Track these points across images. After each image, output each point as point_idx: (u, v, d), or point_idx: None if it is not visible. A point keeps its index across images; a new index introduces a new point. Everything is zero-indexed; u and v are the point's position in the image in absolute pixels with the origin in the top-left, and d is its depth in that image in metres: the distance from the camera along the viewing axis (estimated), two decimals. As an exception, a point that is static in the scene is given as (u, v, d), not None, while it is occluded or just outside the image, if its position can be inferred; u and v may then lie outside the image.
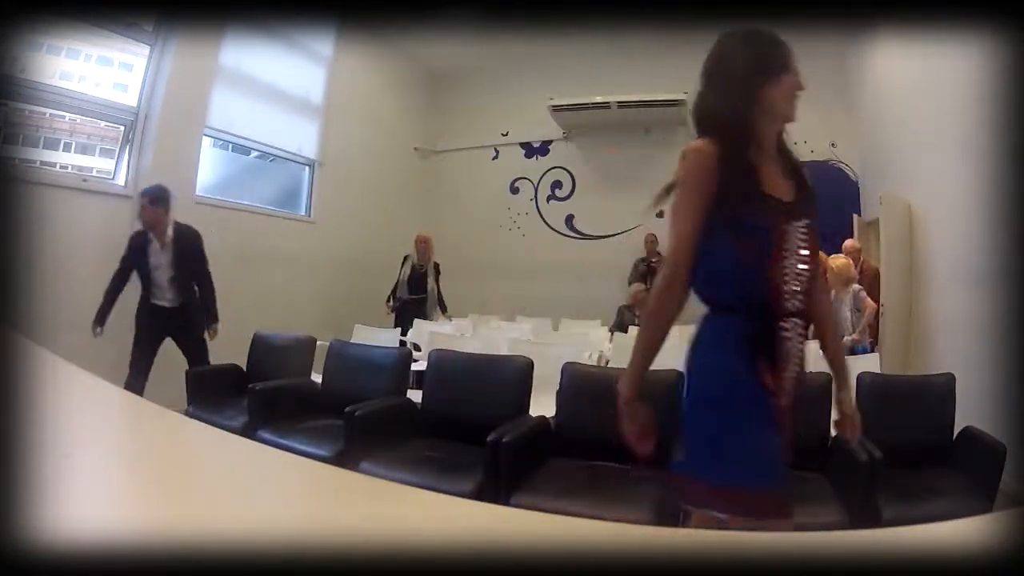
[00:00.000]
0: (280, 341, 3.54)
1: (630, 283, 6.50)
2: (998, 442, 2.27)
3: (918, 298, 4.27)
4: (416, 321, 5.02)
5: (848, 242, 4.64)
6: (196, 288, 3.63)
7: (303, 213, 5.83)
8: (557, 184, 7.18)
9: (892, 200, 4.50)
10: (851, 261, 4.09)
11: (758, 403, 1.20)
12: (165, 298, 3.55)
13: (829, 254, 4.05)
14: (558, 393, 2.61)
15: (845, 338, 3.76)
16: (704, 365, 1.24)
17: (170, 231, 3.54)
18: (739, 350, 1.20)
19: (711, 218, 1.21)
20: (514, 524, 0.67)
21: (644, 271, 6.49)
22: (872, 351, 3.91)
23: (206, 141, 4.69)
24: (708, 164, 1.24)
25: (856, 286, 3.97)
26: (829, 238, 4.64)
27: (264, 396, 2.90)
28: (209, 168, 4.79)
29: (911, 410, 2.51)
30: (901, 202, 4.48)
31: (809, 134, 6.41)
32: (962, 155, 3.53)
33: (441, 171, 7.49)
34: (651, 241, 6.55)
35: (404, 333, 4.78)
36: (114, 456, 0.76)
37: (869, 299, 3.94)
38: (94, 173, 4.10)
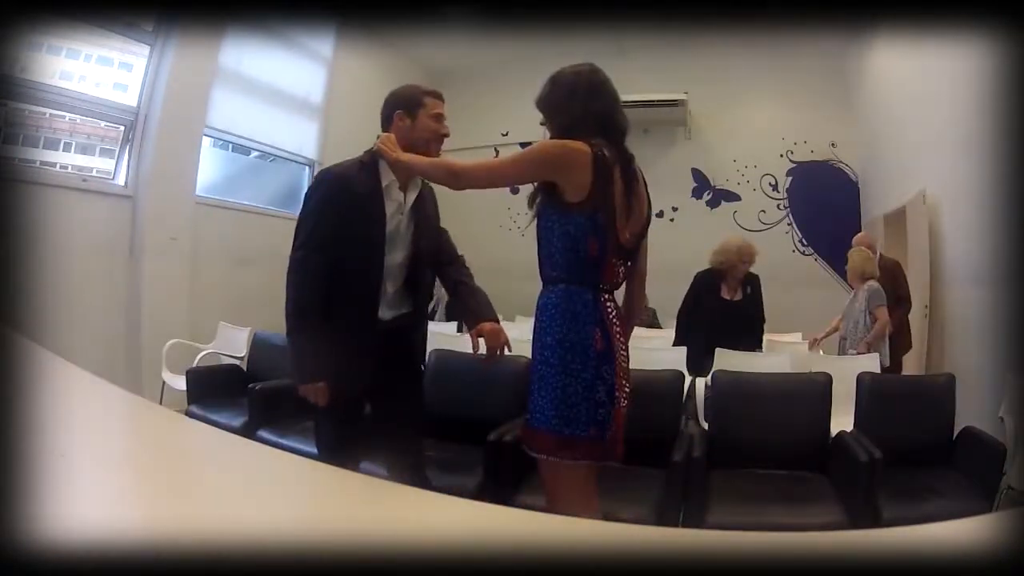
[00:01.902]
0: (280, 341, 3.53)
1: None
2: (998, 442, 2.27)
3: (922, 298, 4.26)
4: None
5: (860, 235, 4.39)
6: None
7: (303, 213, 5.82)
8: (557, 184, 7.18)
9: (914, 200, 4.40)
10: (871, 255, 3.81)
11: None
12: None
13: (837, 255, 3.95)
14: (558, 393, 2.60)
15: (850, 351, 3.54)
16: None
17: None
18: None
19: None
20: (514, 524, 0.67)
21: None
22: (884, 367, 3.54)
23: (206, 141, 4.69)
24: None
25: (872, 283, 3.64)
26: (839, 238, 4.62)
27: (264, 396, 2.90)
28: (209, 168, 4.79)
29: (911, 410, 2.51)
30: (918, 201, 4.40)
31: (809, 134, 6.43)
32: (962, 155, 3.53)
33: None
34: None
35: None
36: (114, 456, 0.76)
37: (884, 310, 3.57)
38: (94, 173, 4.10)
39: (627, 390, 1.52)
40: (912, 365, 4.07)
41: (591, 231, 1.47)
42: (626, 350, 1.54)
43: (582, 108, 1.54)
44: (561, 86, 1.60)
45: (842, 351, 3.65)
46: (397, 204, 1.76)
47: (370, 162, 1.74)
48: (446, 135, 1.81)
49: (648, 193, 1.63)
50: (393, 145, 1.71)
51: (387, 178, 1.73)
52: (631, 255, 1.57)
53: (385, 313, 1.76)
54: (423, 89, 1.81)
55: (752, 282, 3.71)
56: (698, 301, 3.65)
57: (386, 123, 1.79)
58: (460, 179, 1.56)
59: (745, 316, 3.67)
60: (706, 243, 5.42)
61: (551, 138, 1.57)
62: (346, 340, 1.70)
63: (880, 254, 4.28)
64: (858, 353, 3.43)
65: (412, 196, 1.80)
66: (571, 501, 1.46)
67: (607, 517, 1.52)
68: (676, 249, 6.02)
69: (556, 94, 1.59)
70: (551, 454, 1.46)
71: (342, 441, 1.72)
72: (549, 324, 1.51)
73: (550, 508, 1.47)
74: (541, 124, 1.67)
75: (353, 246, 1.70)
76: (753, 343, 3.63)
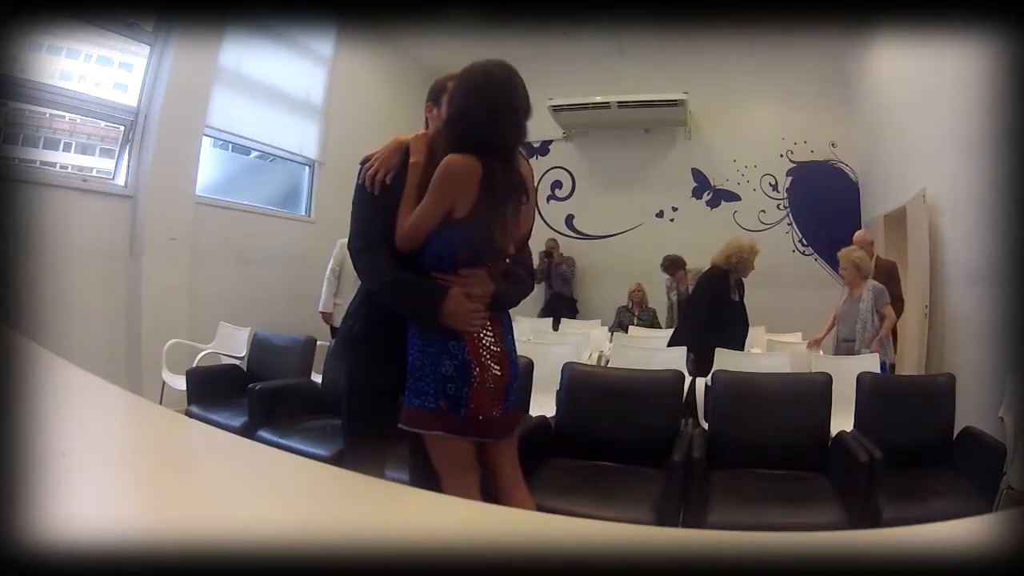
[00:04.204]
0: (280, 341, 3.54)
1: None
2: (998, 442, 2.27)
3: (922, 298, 4.25)
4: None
5: (859, 233, 4.42)
6: None
7: (303, 213, 5.83)
8: (557, 184, 7.19)
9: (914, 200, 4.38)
10: (866, 254, 3.79)
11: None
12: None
13: (836, 256, 3.90)
14: (558, 393, 2.61)
15: (862, 350, 3.45)
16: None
17: None
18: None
19: None
20: (514, 524, 0.67)
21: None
22: (891, 364, 3.60)
23: (206, 141, 4.69)
24: None
25: (875, 283, 3.63)
26: (839, 238, 4.60)
27: (264, 396, 2.90)
28: (209, 168, 4.79)
29: (911, 410, 2.51)
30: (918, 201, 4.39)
31: (809, 134, 6.43)
32: (962, 155, 3.53)
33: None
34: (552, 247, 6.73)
35: None
36: (114, 456, 0.76)
37: (890, 308, 3.58)
38: (94, 173, 4.10)
39: (496, 371, 1.49)
40: (912, 365, 4.07)
41: (463, 242, 1.48)
42: (494, 334, 1.52)
43: (469, 123, 1.49)
44: (456, 94, 1.51)
45: (846, 352, 3.57)
46: None
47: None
48: None
49: (537, 207, 1.65)
50: (417, 149, 1.59)
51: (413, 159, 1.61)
52: (509, 255, 1.60)
53: None
54: (451, 75, 1.64)
55: (741, 284, 3.72)
56: (717, 299, 3.60)
57: (426, 120, 1.70)
58: (400, 239, 1.51)
59: (742, 317, 3.68)
60: (706, 243, 5.45)
61: (444, 141, 1.53)
62: (380, 327, 1.59)
63: (877, 256, 4.29)
64: (872, 352, 3.41)
65: None
66: (448, 476, 1.49)
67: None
68: (676, 249, 6.06)
69: (451, 101, 1.52)
70: (409, 425, 1.49)
71: (363, 431, 1.64)
72: None
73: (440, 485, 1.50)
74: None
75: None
76: (742, 345, 3.64)
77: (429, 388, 1.47)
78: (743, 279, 3.74)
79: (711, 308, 3.62)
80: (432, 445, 1.50)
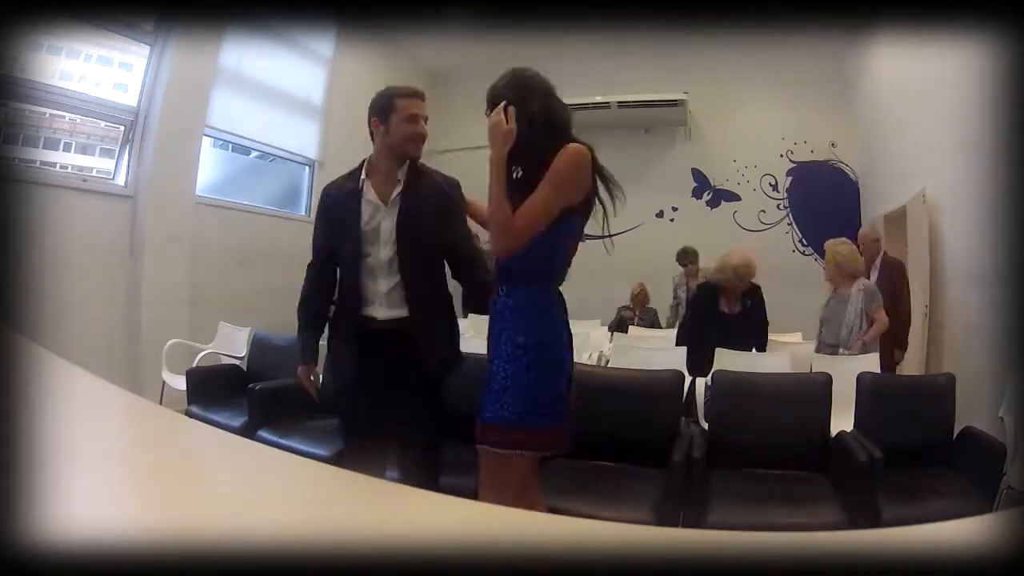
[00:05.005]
0: (280, 341, 3.54)
1: None
2: (998, 442, 2.27)
3: (922, 298, 4.25)
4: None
5: (863, 231, 4.31)
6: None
7: (303, 213, 5.83)
8: (557, 184, 7.18)
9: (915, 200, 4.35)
10: (855, 250, 3.55)
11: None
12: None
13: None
14: (558, 393, 2.61)
15: (842, 351, 3.29)
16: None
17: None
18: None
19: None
20: (514, 524, 0.67)
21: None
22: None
23: (206, 141, 4.69)
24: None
25: (866, 281, 3.44)
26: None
27: (264, 396, 2.90)
28: (209, 168, 4.79)
29: (911, 410, 2.51)
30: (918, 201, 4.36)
31: (809, 134, 6.43)
32: (962, 154, 3.53)
33: (441, 171, 7.49)
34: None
35: None
36: (114, 456, 0.76)
37: (882, 311, 3.31)
38: (94, 173, 4.10)
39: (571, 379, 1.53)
40: (912, 365, 4.07)
41: (575, 233, 1.50)
42: None
43: (557, 114, 1.54)
44: (527, 97, 1.55)
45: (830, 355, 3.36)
46: (373, 204, 1.75)
47: (357, 166, 1.79)
48: (420, 136, 1.76)
49: None
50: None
51: (363, 179, 1.76)
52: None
53: (380, 312, 1.75)
54: (396, 90, 1.73)
55: (751, 295, 3.60)
56: (697, 316, 3.63)
57: (372, 133, 1.77)
58: (511, 239, 1.47)
59: (740, 330, 3.55)
60: (706, 243, 5.45)
61: (521, 139, 1.53)
62: (338, 336, 1.83)
63: (884, 252, 4.22)
64: (851, 354, 3.24)
65: (390, 194, 1.75)
66: (524, 496, 1.47)
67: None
68: (676, 249, 6.07)
69: (526, 105, 1.55)
70: (498, 447, 1.45)
71: (349, 438, 1.84)
72: (521, 324, 1.49)
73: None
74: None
75: (339, 247, 1.77)
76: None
77: (552, 408, 1.43)
78: (758, 285, 3.63)
79: (686, 322, 3.65)
80: (502, 466, 1.44)
